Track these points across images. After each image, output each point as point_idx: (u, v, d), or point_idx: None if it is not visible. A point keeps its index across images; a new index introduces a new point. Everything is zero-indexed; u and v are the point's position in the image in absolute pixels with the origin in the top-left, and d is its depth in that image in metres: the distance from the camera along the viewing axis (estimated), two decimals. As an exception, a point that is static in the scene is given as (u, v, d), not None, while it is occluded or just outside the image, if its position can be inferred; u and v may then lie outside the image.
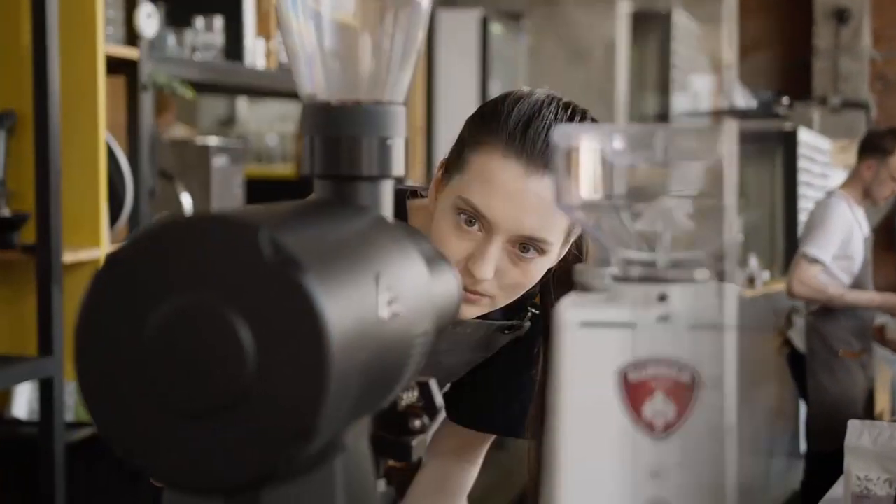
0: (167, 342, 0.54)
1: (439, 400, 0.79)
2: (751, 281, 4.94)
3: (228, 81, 3.24)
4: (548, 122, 1.16)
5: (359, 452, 0.65)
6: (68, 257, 2.41)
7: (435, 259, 0.73)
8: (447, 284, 0.74)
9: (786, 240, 5.95)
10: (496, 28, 4.90)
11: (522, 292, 1.21)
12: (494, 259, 1.16)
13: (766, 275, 5.09)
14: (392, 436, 0.76)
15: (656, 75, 6.54)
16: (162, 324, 0.54)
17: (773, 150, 6.00)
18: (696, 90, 6.44)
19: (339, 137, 0.68)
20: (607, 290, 0.64)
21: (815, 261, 3.99)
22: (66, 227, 2.41)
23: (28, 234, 2.39)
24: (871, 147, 4.21)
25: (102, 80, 2.50)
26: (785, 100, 6.54)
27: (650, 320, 0.60)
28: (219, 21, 3.12)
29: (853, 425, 1.71)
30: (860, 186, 4.17)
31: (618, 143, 0.62)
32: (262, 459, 0.54)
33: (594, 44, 5.62)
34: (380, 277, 0.61)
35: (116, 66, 2.65)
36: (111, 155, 2.57)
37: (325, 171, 0.69)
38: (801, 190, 5.92)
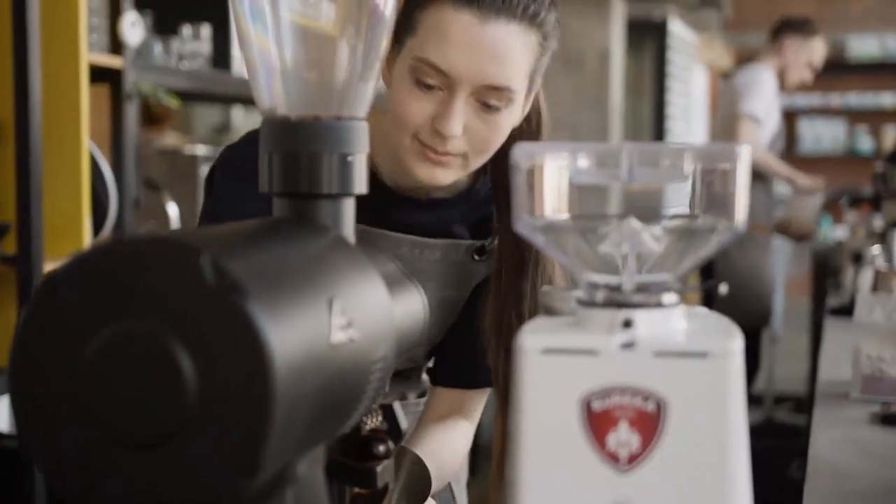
0: (106, 369, 0.52)
1: (404, 423, 0.77)
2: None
3: (215, 90, 3.22)
4: None
5: (313, 482, 0.62)
6: (50, 268, 2.38)
7: (398, 281, 0.71)
8: (410, 306, 0.71)
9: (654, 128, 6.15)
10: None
11: (492, 151, 1.19)
12: (460, 114, 1.14)
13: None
14: (356, 462, 0.73)
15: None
16: (100, 350, 0.52)
17: (642, 39, 6.17)
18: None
19: (298, 154, 0.66)
20: (573, 313, 0.62)
21: (750, 116, 4.04)
22: (48, 237, 2.38)
23: (9, 245, 2.36)
24: (795, 27, 4.25)
25: (86, 88, 2.47)
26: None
27: (614, 347, 0.58)
28: (206, 29, 3.10)
29: (863, 299, 1.48)
30: (777, 66, 4.23)
31: (582, 162, 0.60)
32: (205, 493, 0.51)
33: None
34: (334, 301, 0.58)
35: (101, 74, 2.62)
36: (95, 164, 2.54)
37: (283, 188, 0.67)
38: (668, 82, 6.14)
